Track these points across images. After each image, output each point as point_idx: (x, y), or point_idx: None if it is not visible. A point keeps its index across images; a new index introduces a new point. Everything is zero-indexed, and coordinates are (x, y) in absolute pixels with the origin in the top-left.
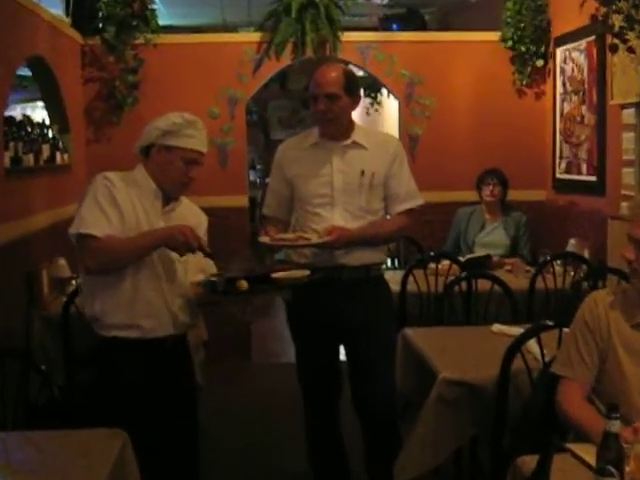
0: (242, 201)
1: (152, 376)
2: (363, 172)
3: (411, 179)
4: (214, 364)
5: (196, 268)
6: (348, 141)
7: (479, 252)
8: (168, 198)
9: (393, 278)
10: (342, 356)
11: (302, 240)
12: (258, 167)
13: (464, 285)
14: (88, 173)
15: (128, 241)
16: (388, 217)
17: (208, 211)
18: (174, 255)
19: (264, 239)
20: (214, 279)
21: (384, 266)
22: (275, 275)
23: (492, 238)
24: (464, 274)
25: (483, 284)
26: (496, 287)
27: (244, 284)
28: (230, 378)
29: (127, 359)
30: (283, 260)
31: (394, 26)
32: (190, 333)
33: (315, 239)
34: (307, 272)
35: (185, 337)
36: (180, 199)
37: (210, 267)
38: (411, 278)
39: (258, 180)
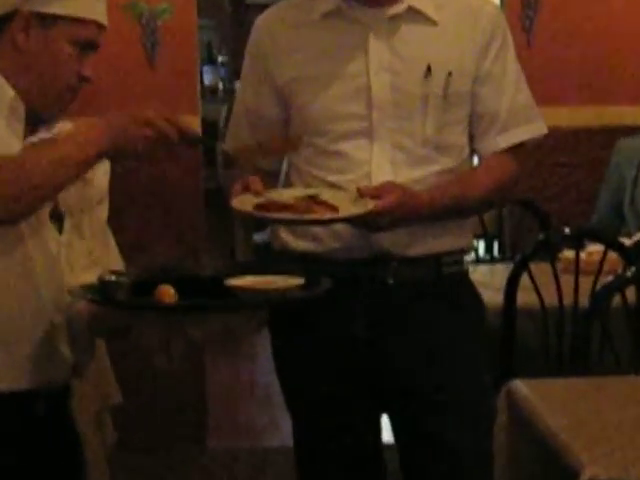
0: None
1: (5, 463)
2: (430, 69)
3: (522, 83)
4: (138, 451)
5: (86, 259)
6: (399, 7)
7: None
8: (37, 118)
9: (489, 279)
10: (386, 434)
11: (322, 209)
12: (221, 59)
13: (631, 294)
14: None
15: (35, 152)
16: (477, 161)
17: None
18: (52, 238)
19: (241, 203)
20: (112, 278)
21: (470, 256)
22: (234, 282)
23: None
24: (631, 271)
25: None
26: None
27: (169, 293)
28: (167, 475)
29: None
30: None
31: None
32: (86, 393)
33: (349, 207)
34: (299, 281)
35: (67, 394)
36: (59, 123)
37: (113, 257)
38: (526, 279)
39: (221, 85)
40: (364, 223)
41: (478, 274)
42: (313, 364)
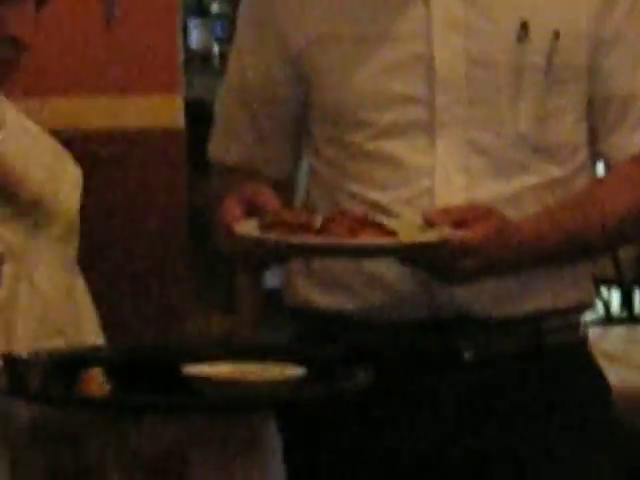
0: (167, 113)
1: None
2: (526, 28)
3: None
4: None
5: (39, 324)
6: None
7: None
8: None
9: (626, 351)
10: None
11: (373, 232)
12: (216, 10)
13: None
14: None
15: None
16: (603, 170)
17: (76, 143)
18: None
19: (250, 228)
20: (25, 355)
21: (592, 315)
22: (193, 372)
23: None
24: None
25: None
26: None
27: (95, 381)
28: None
29: None
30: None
31: None
32: None
33: (412, 234)
34: (300, 372)
35: None
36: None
37: (86, 321)
38: None
39: (217, 48)
40: (435, 266)
41: (607, 343)
42: None
